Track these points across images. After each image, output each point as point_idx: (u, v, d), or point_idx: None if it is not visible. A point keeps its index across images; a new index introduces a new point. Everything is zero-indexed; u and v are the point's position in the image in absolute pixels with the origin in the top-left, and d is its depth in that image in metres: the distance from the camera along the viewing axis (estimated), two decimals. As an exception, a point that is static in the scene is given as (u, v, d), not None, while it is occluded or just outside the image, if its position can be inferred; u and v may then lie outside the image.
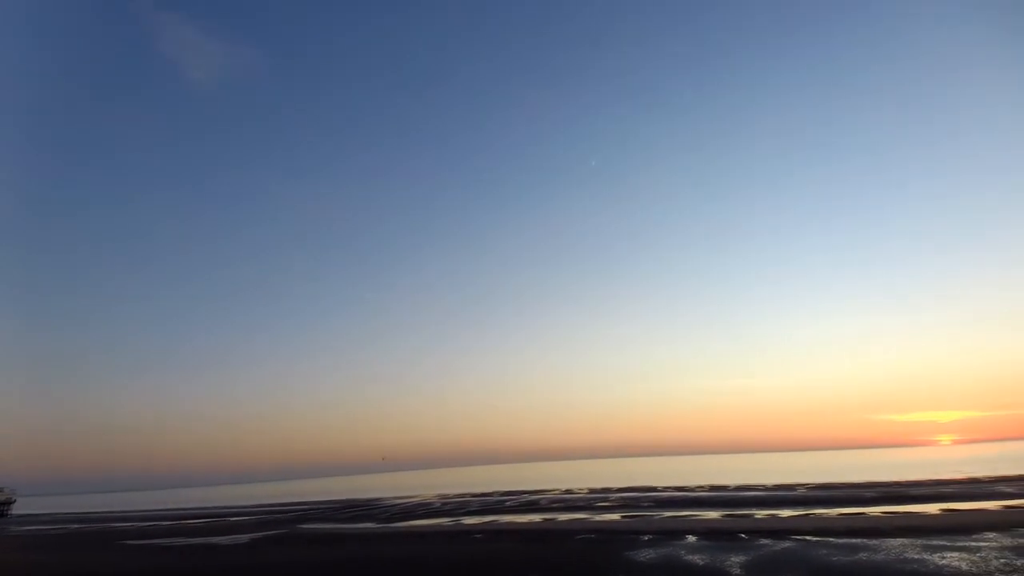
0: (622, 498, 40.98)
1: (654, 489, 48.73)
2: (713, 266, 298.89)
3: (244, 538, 28.59)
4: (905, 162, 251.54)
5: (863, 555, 16.09)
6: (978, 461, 78.56)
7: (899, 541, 17.89)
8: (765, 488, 44.60)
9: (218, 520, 41.39)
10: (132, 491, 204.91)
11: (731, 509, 30.19)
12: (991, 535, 17.75)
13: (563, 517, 30.38)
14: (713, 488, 47.00)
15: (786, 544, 18.64)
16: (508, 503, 42.18)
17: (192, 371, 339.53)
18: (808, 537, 19.70)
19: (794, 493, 38.76)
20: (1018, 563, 13.77)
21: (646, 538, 21.36)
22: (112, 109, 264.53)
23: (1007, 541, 16.53)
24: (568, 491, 51.78)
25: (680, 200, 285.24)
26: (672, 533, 22.31)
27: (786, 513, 27.31)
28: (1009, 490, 32.34)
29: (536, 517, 31.29)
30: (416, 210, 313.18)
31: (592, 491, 50.20)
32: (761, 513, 27.79)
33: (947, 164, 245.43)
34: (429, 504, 46.51)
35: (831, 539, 19.04)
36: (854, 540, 18.55)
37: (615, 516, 29.67)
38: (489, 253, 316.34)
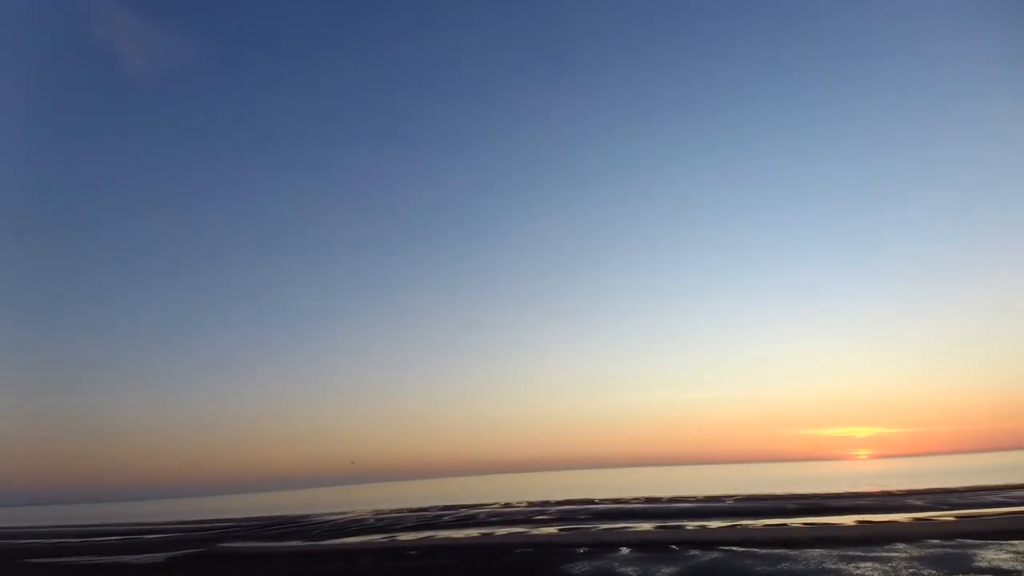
0: (560, 511, 41.16)
1: (592, 502, 49.24)
2: (662, 281, 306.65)
3: (160, 557, 26.70)
4: (844, 188, 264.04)
5: (784, 565, 16.81)
6: (890, 475, 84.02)
7: (818, 551, 18.80)
8: (696, 500, 45.97)
9: (134, 537, 38.50)
10: (68, 503, 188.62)
11: (664, 521, 30.90)
12: (901, 546, 18.92)
13: (501, 531, 30.16)
14: (648, 500, 48.01)
15: (714, 555, 19.25)
16: (446, 518, 41.49)
17: (138, 379, 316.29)
18: (735, 548, 20.41)
19: (723, 504, 40.13)
20: (925, 573, 14.72)
21: (582, 551, 21.53)
22: (42, 97, 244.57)
23: (915, 552, 17.66)
24: (507, 505, 51.53)
25: (630, 215, 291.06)
26: (607, 545, 22.60)
27: (715, 524, 28.20)
28: (918, 503, 34.64)
29: (474, 532, 30.92)
30: (370, 215, 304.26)
31: (531, 504, 50.18)
32: (692, 524, 28.57)
33: (884, 190, 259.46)
34: (363, 520, 45.09)
35: (756, 550, 19.79)
36: (777, 551, 19.35)
37: (553, 529, 29.73)
38: (431, 265, 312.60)
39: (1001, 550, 16.67)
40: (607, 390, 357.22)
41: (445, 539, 28.34)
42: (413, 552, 24.14)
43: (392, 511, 54.13)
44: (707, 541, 22.39)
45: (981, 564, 14.96)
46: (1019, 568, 14.19)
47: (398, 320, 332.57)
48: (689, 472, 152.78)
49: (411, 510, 53.40)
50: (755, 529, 25.85)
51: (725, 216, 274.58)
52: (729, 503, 41.30)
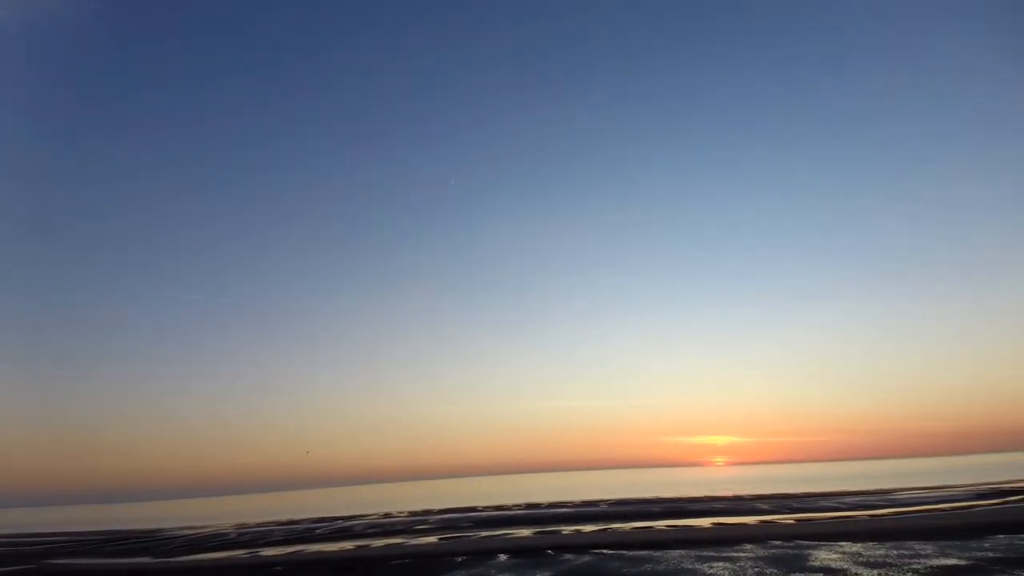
0: (442, 520, 40.68)
1: (475, 509, 49.25)
2: (541, 292, 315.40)
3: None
4: (722, 216, 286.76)
5: (648, 566, 17.80)
6: (743, 481, 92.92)
7: (678, 552, 20.15)
8: (574, 505, 47.67)
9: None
10: None
11: (542, 526, 31.61)
12: (749, 546, 20.80)
13: (378, 543, 29.12)
14: (529, 506, 48.96)
15: (586, 558, 19.96)
16: (318, 531, 39.34)
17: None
18: (605, 551, 21.33)
19: (597, 509, 41.95)
20: (767, 571, 16.25)
21: (460, 559, 21.33)
22: None
23: (760, 552, 19.48)
24: (387, 515, 50.02)
25: (516, 222, 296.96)
26: (485, 553, 22.60)
27: (589, 528, 29.34)
28: (765, 507, 38.44)
29: (348, 544, 29.55)
30: (264, 216, 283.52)
31: (412, 514, 49.12)
32: (568, 529, 29.50)
33: (745, 218, 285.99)
34: (223, 535, 41.49)
35: (624, 552, 20.81)
36: (642, 552, 20.49)
37: (433, 539, 29.23)
38: (319, 267, 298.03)
39: (831, 551, 18.89)
40: (491, 399, 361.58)
41: (316, 553, 26.80)
42: (279, 568, 22.52)
43: (257, 524, 50.42)
44: (580, 545, 23.19)
45: (814, 564, 16.83)
46: (845, 567, 16.13)
47: (289, 321, 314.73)
48: (570, 478, 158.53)
49: (280, 523, 50.07)
50: (624, 532, 27.24)
51: (609, 231, 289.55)
52: (603, 507, 43.24)
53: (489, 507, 50.84)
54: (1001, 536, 19.23)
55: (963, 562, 15.48)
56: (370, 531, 35.99)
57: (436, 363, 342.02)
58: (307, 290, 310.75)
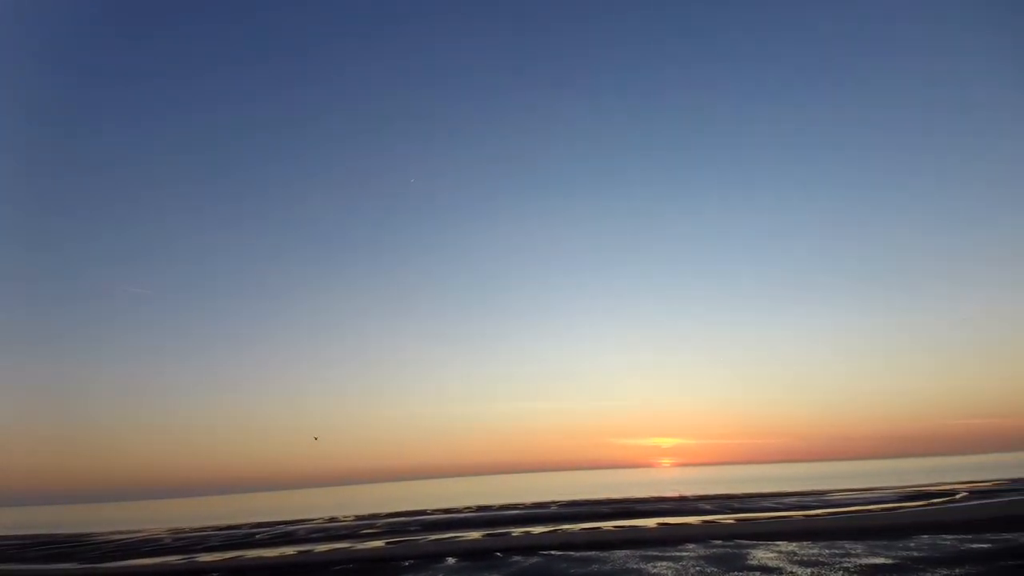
0: (390, 523, 39.96)
1: (424, 512, 48.63)
2: (501, 292, 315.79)
3: None
4: (672, 221, 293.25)
5: (595, 567, 18.00)
6: (689, 482, 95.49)
7: (624, 552, 20.47)
8: (525, 506, 47.76)
9: None
10: None
11: (492, 528, 31.52)
12: (691, 546, 21.33)
13: (322, 548, 28.32)
14: (480, 508, 48.75)
15: (535, 560, 20.00)
16: (259, 536, 37.95)
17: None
18: (553, 552, 21.44)
19: (548, 511, 42.17)
20: (708, 570, 16.69)
21: (407, 564, 21.00)
22: None
23: (702, 551, 20.01)
24: (332, 519, 48.74)
25: (485, 221, 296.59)
26: (434, 556, 22.32)
27: (538, 530, 29.45)
28: (708, 507, 39.58)
29: (290, 550, 28.62)
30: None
31: (359, 518, 48.05)
32: (517, 531, 29.52)
33: (703, 231, 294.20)
34: (157, 539, 39.51)
35: (572, 553, 20.98)
36: (590, 553, 20.71)
37: (379, 543, 28.66)
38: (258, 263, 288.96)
39: (768, 550, 19.57)
40: (445, 402, 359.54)
41: (255, 559, 25.84)
42: (215, 575, 21.58)
43: (194, 529, 48.29)
44: (529, 546, 23.23)
45: (752, 563, 17.39)
46: (781, 566, 16.73)
47: (253, 318, 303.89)
48: (522, 480, 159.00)
49: (218, 528, 48.07)
50: (573, 533, 27.48)
51: (564, 237, 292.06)
52: (554, 509, 43.51)
53: (439, 510, 50.33)
54: (925, 536, 20.39)
55: (890, 561, 16.31)
56: (314, 536, 34.97)
57: (391, 365, 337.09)
58: (272, 288, 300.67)
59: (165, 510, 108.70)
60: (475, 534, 29.35)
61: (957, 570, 14.51)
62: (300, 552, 27.31)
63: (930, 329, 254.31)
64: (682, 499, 48.62)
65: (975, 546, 17.65)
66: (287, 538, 34.89)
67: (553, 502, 50.95)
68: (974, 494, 37.34)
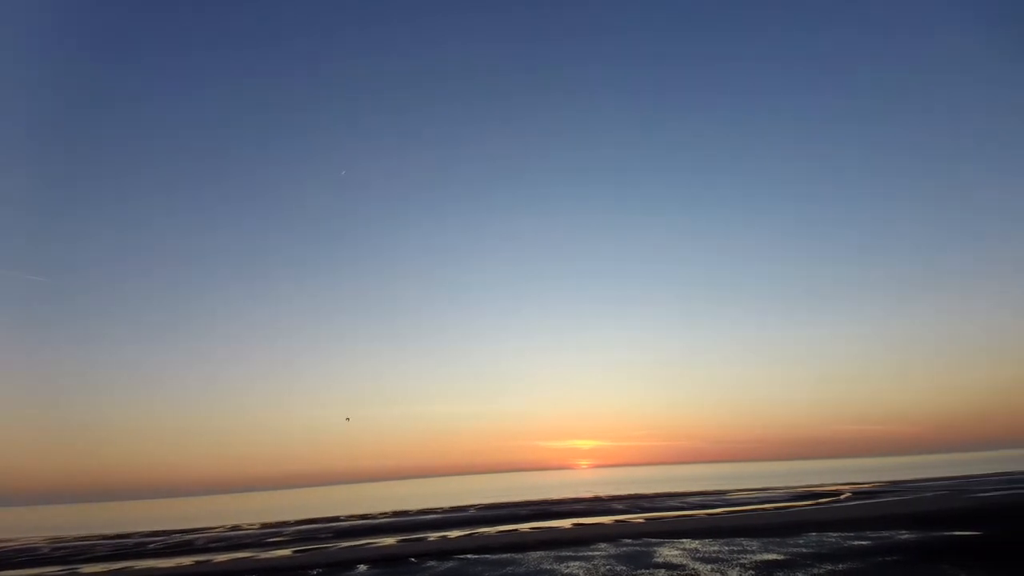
0: (299, 531, 38.18)
1: (337, 519, 46.87)
2: (420, 293, 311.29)
3: None
4: (607, 229, 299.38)
5: (509, 569, 18.04)
6: (604, 482, 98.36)
7: (539, 553, 20.68)
8: (443, 511, 47.26)
9: None
10: None
11: (408, 534, 30.88)
12: (603, 545, 21.90)
13: (221, 558, 26.58)
14: (396, 514, 47.68)
15: (449, 564, 19.74)
16: (153, 545, 35.11)
17: None
18: (469, 555, 21.28)
19: (466, 514, 41.96)
20: (617, 568, 17.16)
21: (315, 573, 20.10)
22: None
23: (613, 550, 20.58)
24: (235, 527, 45.98)
25: (403, 222, 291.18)
26: (344, 564, 21.53)
27: (455, 534, 29.18)
28: (620, 507, 40.90)
29: (186, 560, 26.67)
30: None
31: (265, 525, 45.61)
32: (434, 535, 29.10)
33: (638, 237, 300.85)
34: (35, 549, 35.61)
35: (488, 556, 20.91)
36: (505, 555, 20.74)
37: (286, 552, 27.27)
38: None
39: (673, 547, 20.44)
40: (362, 403, 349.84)
41: (147, 570, 23.86)
42: (96, 591, 19.69)
43: (79, 538, 44.02)
44: (445, 551, 22.92)
45: (658, 560, 18.09)
46: (684, 562, 17.50)
47: (148, 315, 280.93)
48: (442, 483, 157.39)
49: (106, 536, 44.09)
50: (490, 536, 27.45)
51: (481, 240, 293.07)
52: (472, 512, 43.36)
53: (353, 516, 48.74)
54: (813, 534, 22.05)
55: (782, 557, 17.48)
56: (213, 545, 32.78)
57: (304, 365, 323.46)
58: (171, 283, 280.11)
59: (51, 517, 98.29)
60: (390, 540, 28.63)
61: (840, 565, 15.77)
62: (197, 563, 25.50)
63: (825, 343, 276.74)
64: (597, 500, 49.93)
65: (856, 543, 19.29)
66: (184, 547, 32.51)
67: (471, 505, 50.77)
68: (856, 495, 40.96)
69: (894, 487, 45.94)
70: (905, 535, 20.09)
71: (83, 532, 51.24)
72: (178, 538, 38.94)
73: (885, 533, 20.90)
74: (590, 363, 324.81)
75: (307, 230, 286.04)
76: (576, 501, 49.19)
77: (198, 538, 37.86)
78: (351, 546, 27.40)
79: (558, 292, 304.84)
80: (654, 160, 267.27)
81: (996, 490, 35.45)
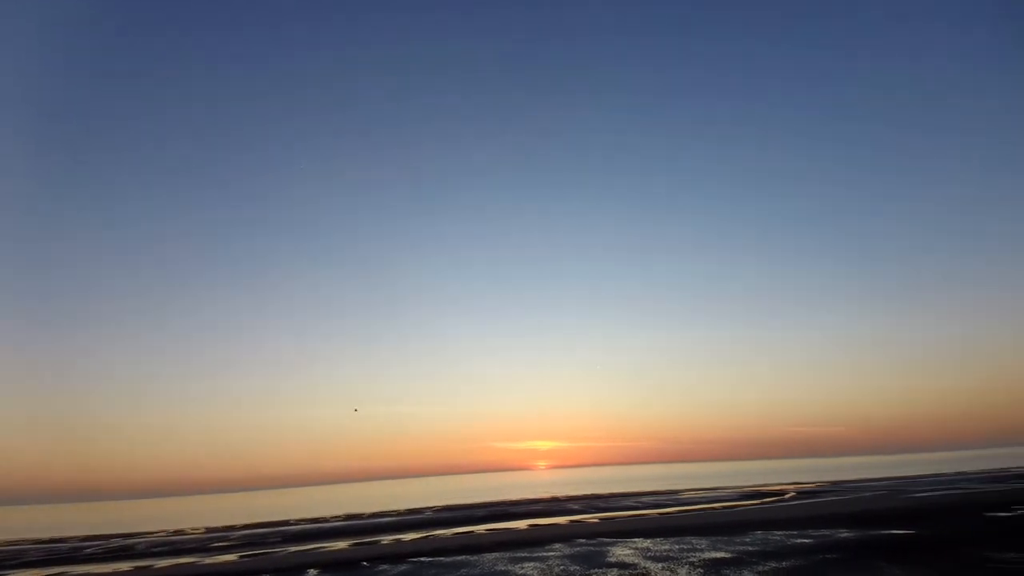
0: (246, 535, 36.96)
1: (287, 523, 45.61)
2: (381, 293, 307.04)
3: None
4: (564, 230, 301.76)
5: (464, 570, 17.92)
6: (562, 483, 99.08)
7: (494, 555, 20.62)
8: (398, 513, 46.62)
9: None
10: None
11: (360, 537, 30.30)
12: (558, 545, 22.03)
13: (163, 564, 25.47)
14: (349, 517, 46.74)
15: (403, 567, 19.47)
16: (90, 549, 33.37)
17: None
18: (423, 558, 21.03)
19: (421, 516, 41.52)
20: (571, 568, 17.28)
21: (261, 578, 19.51)
22: None
23: (567, 550, 20.72)
24: (179, 531, 44.18)
25: (372, 224, 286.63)
26: (293, 569, 20.94)
27: (410, 536, 28.82)
28: (576, 507, 41.26)
29: (125, 566, 25.44)
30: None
31: (210, 530, 43.99)
32: (388, 539, 28.65)
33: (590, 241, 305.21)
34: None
35: (443, 558, 20.72)
36: (460, 557, 20.60)
37: (232, 557, 26.36)
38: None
39: (626, 547, 20.74)
40: (321, 404, 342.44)
41: (80, 578, 22.63)
42: (23, 601, 18.54)
43: (9, 543, 41.43)
44: (399, 554, 22.59)
45: (611, 559, 18.32)
46: (636, 561, 17.77)
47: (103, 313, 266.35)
48: (399, 486, 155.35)
49: (40, 541, 41.67)
50: (446, 538, 27.22)
51: (443, 239, 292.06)
52: (428, 514, 42.93)
53: (304, 520, 47.53)
54: (759, 532, 22.75)
55: (729, 555, 17.97)
56: (155, 550, 31.41)
57: (255, 365, 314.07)
58: (122, 281, 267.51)
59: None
60: (342, 544, 28.02)
61: (784, 563, 16.31)
62: (137, 568, 24.37)
63: (776, 346, 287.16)
64: (554, 500, 50.25)
65: (799, 541, 20.00)
66: (123, 552, 31.02)
67: (428, 508, 50.29)
68: (800, 494, 42.53)
69: (835, 487, 47.91)
70: (845, 533, 20.96)
71: (17, 536, 48.26)
72: (117, 542, 37.14)
73: (826, 531, 21.76)
74: (548, 364, 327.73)
75: (262, 224, 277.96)
76: (533, 502, 49.37)
77: (139, 543, 36.21)
78: (301, 550, 26.71)
79: (518, 293, 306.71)
80: (615, 162, 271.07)
81: (929, 491, 37.42)
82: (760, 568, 15.72)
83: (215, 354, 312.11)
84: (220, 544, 32.37)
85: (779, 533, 21.99)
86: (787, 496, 41.00)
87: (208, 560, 25.64)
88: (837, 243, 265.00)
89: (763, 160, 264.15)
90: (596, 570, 16.74)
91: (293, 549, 27.34)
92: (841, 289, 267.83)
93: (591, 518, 33.06)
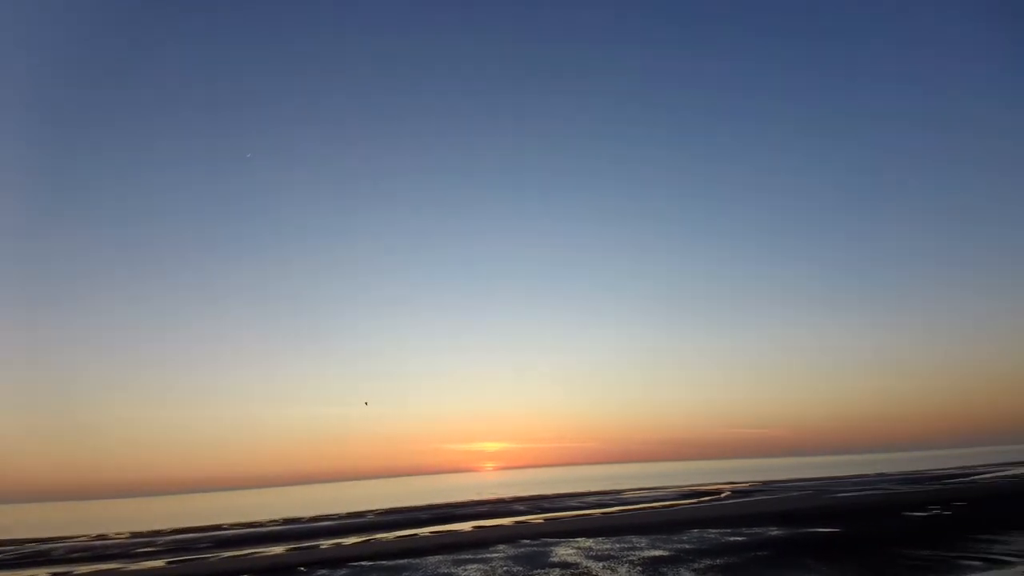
0: (175, 541, 35.12)
1: (220, 527, 43.62)
2: (326, 293, 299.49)
3: None
4: (516, 235, 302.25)
5: (406, 574, 17.70)
6: (508, 484, 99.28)
7: (437, 558, 20.42)
8: (339, 517, 45.43)
9: None
10: None
11: (298, 542, 29.35)
12: (502, 547, 22.03)
13: (83, 570, 23.89)
14: (287, 521, 45.18)
15: (342, 572, 19.00)
16: (1, 556, 30.93)
17: None
18: (364, 563, 20.58)
19: (363, 520, 40.64)
20: (515, 570, 17.31)
21: (190, 585, 18.58)
22: None
23: (511, 551, 20.76)
24: (101, 536, 41.58)
25: (313, 220, 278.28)
26: (225, 575, 20.10)
27: (350, 541, 28.14)
28: (522, 508, 41.43)
29: (41, 573, 23.75)
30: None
31: (136, 534, 41.57)
32: (327, 543, 27.87)
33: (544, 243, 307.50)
34: None
35: (384, 562, 20.34)
36: (402, 561, 20.29)
37: (158, 563, 25.00)
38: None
39: (569, 546, 20.98)
40: (262, 403, 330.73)
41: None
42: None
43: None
44: (338, 559, 22.02)
45: (554, 559, 18.48)
46: (578, 561, 18.01)
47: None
48: (342, 489, 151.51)
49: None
50: (388, 542, 26.73)
51: (388, 238, 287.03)
52: (370, 518, 42.05)
53: (239, 524, 45.63)
54: (695, 530, 23.49)
55: (667, 553, 18.46)
56: (75, 556, 29.40)
57: (190, 365, 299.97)
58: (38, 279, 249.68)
59: None
60: (278, 549, 27.06)
61: (719, 560, 16.89)
62: (54, 575, 22.78)
63: (717, 350, 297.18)
64: (500, 502, 50.26)
65: (733, 539, 20.77)
66: (39, 558, 28.96)
67: (371, 511, 49.26)
68: (735, 493, 44.23)
69: (767, 487, 50.08)
70: (775, 531, 21.92)
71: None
72: (32, 548, 34.58)
73: (758, 529, 22.69)
74: (496, 365, 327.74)
75: (193, 221, 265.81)
76: (479, 504, 49.22)
77: (57, 548, 33.83)
78: (234, 556, 25.63)
79: (465, 293, 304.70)
80: (556, 163, 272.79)
81: (853, 491, 39.66)
82: (696, 565, 16.23)
83: (142, 352, 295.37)
84: (146, 549, 30.64)
85: (714, 531, 22.77)
86: (723, 496, 42.54)
87: (133, 567, 24.22)
88: (773, 249, 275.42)
89: (709, 165, 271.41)
90: (538, 570, 16.85)
91: (226, 555, 26.20)
92: (777, 295, 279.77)
93: (536, 519, 33.27)
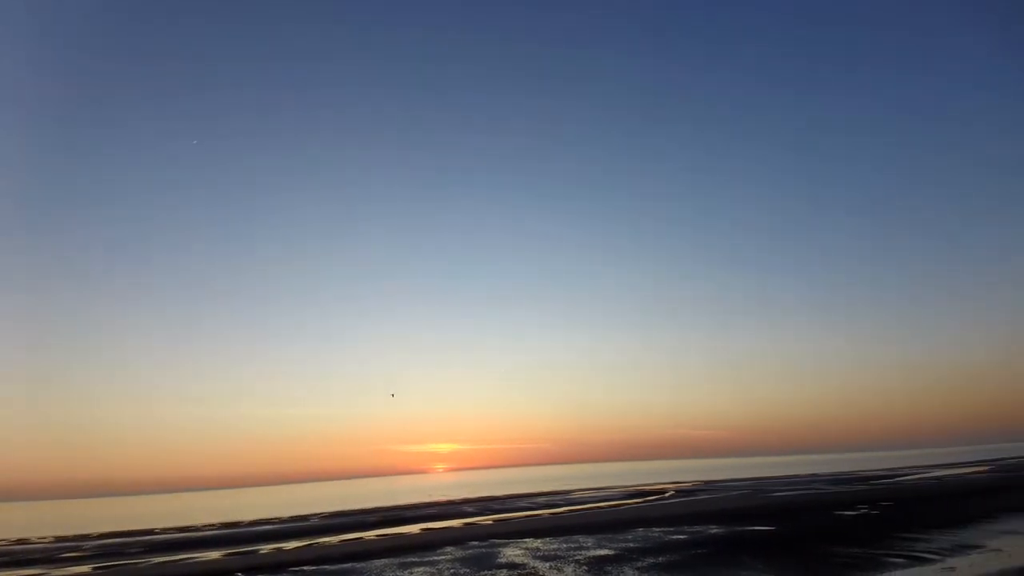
0: (103, 545, 33.21)
1: (152, 532, 41.49)
2: (276, 293, 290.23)
3: None
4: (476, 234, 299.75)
5: (349, 579, 17.31)
6: (460, 485, 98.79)
7: (383, 561, 20.08)
8: (281, 520, 44.01)
9: None
10: None
11: (237, 547, 28.25)
12: (450, 549, 21.88)
13: (-3, 580, 22.27)
14: (226, 525, 43.45)
15: (282, 578, 18.44)
16: None
17: None
18: (306, 568, 20.01)
19: (307, 523, 39.51)
20: (463, 572, 17.23)
21: (117, 594, 17.58)
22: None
23: (459, 553, 20.64)
24: (22, 540, 38.87)
25: (268, 218, 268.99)
26: (155, 583, 19.14)
27: (292, 545, 27.32)
28: (471, 509, 41.28)
29: (-57, 586, 21.95)
30: None
31: (61, 539, 39.07)
32: (267, 548, 26.96)
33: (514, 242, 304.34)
34: None
35: (327, 566, 19.84)
36: (346, 565, 19.84)
37: (84, 568, 23.61)
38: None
39: (517, 547, 21.05)
40: (210, 404, 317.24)
41: None
42: None
43: None
44: (278, 564, 21.34)
45: (501, 561, 18.51)
46: (526, 561, 18.09)
47: None
48: (288, 491, 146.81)
49: None
50: (331, 546, 26.08)
51: (338, 239, 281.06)
52: (314, 521, 40.94)
53: (173, 528, 43.56)
54: (640, 529, 24.02)
55: (613, 552, 18.79)
56: (-11, 565, 27.36)
57: (138, 363, 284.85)
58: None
59: None
60: (214, 554, 25.97)
61: (661, 558, 17.33)
62: (-43, 590, 21.09)
63: (664, 352, 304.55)
64: (449, 503, 49.93)
65: (675, 537, 21.35)
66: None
67: (315, 514, 47.96)
68: (679, 492, 45.53)
69: (709, 486, 51.79)
70: (715, 529, 22.67)
71: None
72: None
73: (699, 528, 23.42)
74: (448, 366, 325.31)
75: (154, 219, 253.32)
76: (429, 505, 48.75)
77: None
78: (166, 561, 24.46)
79: (417, 293, 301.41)
80: (511, 163, 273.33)
81: (787, 490, 41.48)
82: (640, 564, 16.59)
83: (104, 353, 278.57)
84: (71, 555, 28.82)
85: (658, 530, 23.35)
86: (667, 495, 43.68)
87: (56, 572, 22.80)
88: (712, 252, 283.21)
89: (662, 167, 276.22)
90: (486, 572, 16.83)
91: (157, 560, 24.97)
92: (717, 300, 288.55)
93: (485, 520, 33.22)
